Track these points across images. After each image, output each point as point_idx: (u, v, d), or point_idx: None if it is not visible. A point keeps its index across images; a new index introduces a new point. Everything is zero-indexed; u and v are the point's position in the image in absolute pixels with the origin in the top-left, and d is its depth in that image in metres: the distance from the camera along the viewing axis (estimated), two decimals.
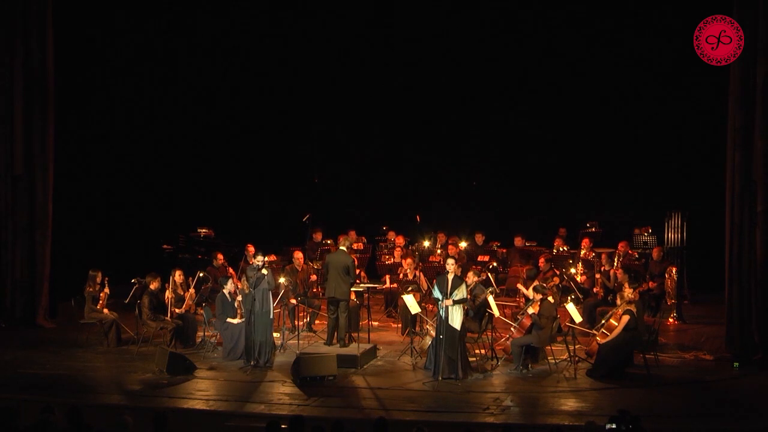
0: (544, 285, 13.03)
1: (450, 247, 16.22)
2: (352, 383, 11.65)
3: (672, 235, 15.82)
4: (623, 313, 11.92)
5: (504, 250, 17.48)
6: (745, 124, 12.78)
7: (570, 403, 10.76)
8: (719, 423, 10.17)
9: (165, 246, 17.57)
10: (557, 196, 18.75)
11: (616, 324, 11.97)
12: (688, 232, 15.66)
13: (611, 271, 14.61)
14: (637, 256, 16.04)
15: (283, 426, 7.70)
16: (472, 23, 18.59)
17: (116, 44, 18.02)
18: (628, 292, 12.23)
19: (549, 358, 12.41)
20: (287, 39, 19.15)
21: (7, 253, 15.08)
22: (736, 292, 12.97)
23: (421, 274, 14.95)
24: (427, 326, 13.01)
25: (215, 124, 19.33)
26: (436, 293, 11.70)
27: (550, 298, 12.58)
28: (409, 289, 13.96)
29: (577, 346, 12.33)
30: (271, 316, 12.42)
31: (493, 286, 14.24)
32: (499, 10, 18.37)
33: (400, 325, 14.54)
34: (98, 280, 13.70)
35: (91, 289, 13.64)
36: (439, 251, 16.39)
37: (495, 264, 16.22)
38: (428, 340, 12.38)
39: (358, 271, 14.39)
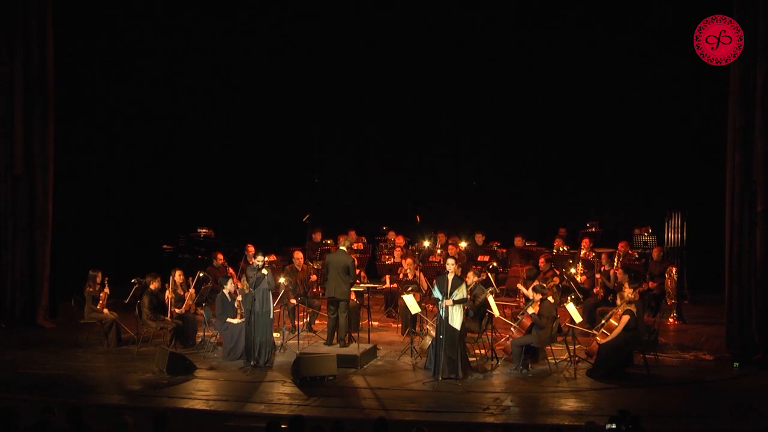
0: (544, 285, 13.03)
1: (450, 247, 16.21)
2: (352, 383, 11.65)
3: (672, 235, 15.82)
4: (623, 313, 11.92)
5: (504, 250, 17.48)
6: (745, 124, 12.78)
7: (570, 403, 10.76)
8: (719, 423, 10.17)
9: (165, 246, 17.57)
10: (557, 196, 18.76)
11: (616, 324, 11.97)
12: (688, 232, 15.66)
13: (611, 271, 14.61)
14: (637, 256, 16.04)
15: (283, 426, 7.70)
16: (472, 23, 18.59)
17: (116, 44, 18.00)
18: (628, 292, 12.23)
19: (549, 358, 12.41)
20: (287, 39, 19.15)
21: (7, 253, 15.08)
22: (736, 292, 12.97)
23: (421, 274, 14.95)
24: (427, 326, 13.01)
25: (215, 124, 19.33)
26: (436, 293, 11.70)
27: (550, 298, 12.58)
28: (409, 289, 13.96)
29: (577, 346, 12.33)
30: (271, 316, 12.42)
31: (493, 286, 14.23)
32: (499, 9, 18.37)
33: (400, 325, 14.54)
34: (98, 280, 13.70)
35: (91, 289, 13.64)
36: (439, 251, 16.39)
37: (495, 264, 16.22)
38: (428, 340, 12.38)
39: (358, 271, 14.40)
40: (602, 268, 14.91)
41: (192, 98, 18.85)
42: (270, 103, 19.24)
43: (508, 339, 12.90)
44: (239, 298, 12.93)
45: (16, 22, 14.93)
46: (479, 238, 17.46)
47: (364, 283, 14.43)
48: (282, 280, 13.72)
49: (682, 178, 17.48)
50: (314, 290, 15.11)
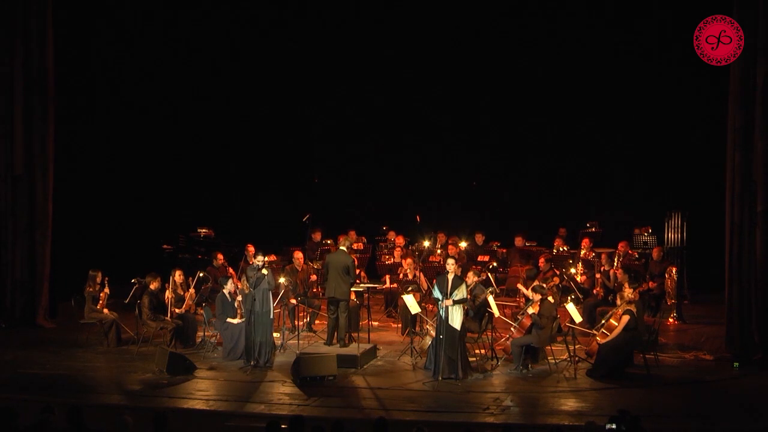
0: (544, 285, 13.03)
1: (450, 247, 16.21)
2: (352, 383, 11.65)
3: (672, 235, 15.82)
4: (623, 313, 11.92)
5: (504, 250, 17.48)
6: (745, 124, 12.78)
7: (570, 403, 10.76)
8: (719, 423, 10.17)
9: (165, 246, 17.57)
10: (557, 196, 18.75)
11: (616, 324, 11.97)
12: (688, 232, 15.66)
13: (611, 271, 14.61)
14: (637, 256, 16.04)
15: (283, 426, 7.70)
16: (472, 23, 18.58)
17: (116, 44, 18.01)
18: (628, 292, 12.23)
19: (549, 358, 12.41)
20: (287, 38, 19.15)
21: (7, 253, 15.08)
22: (736, 292, 12.97)
23: (421, 274, 14.95)
24: (427, 326, 13.01)
25: (215, 124, 19.33)
26: (436, 293, 11.70)
27: (550, 298, 12.58)
28: (409, 289, 13.96)
29: (577, 346, 12.32)
30: (271, 316, 12.42)
31: (493, 286, 14.23)
32: (499, 10, 18.36)
33: (400, 325, 14.54)
34: (98, 280, 13.70)
35: (91, 289, 13.64)
36: (439, 251, 16.39)
37: (495, 264, 16.21)
38: (428, 340, 12.38)
39: (358, 271, 14.40)
40: (602, 268, 14.91)
41: (192, 98, 18.85)
42: (270, 102, 19.24)
43: (508, 339, 12.90)
44: (239, 298, 12.93)
45: (16, 22, 14.92)
46: (479, 238, 17.46)
47: (364, 283, 14.43)
48: (282, 280, 13.72)
49: (682, 178, 17.48)
50: (314, 290, 15.10)
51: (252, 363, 12.13)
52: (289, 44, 19.18)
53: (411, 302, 12.83)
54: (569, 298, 13.59)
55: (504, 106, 18.88)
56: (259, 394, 11.07)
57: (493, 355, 12.60)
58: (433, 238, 16.98)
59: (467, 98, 19.00)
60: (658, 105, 17.82)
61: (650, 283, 15.01)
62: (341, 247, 13.26)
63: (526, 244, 17.38)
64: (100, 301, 13.62)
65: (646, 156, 18.10)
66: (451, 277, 11.68)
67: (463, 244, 16.69)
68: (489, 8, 18.34)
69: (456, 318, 11.56)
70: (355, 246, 15.75)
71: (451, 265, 11.85)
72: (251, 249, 15.30)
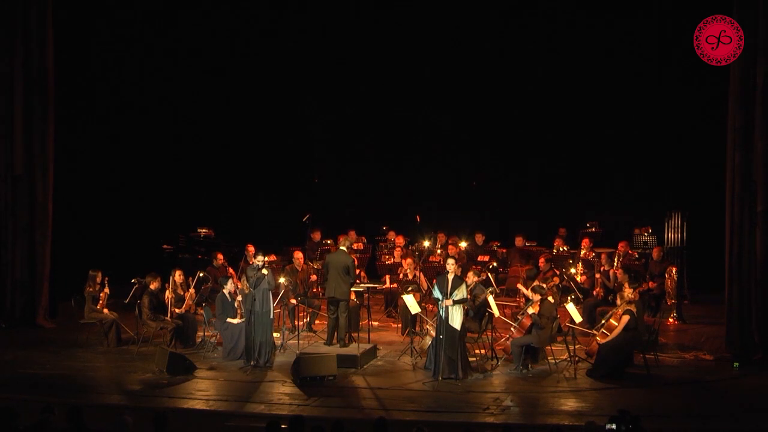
0: (544, 285, 13.03)
1: (450, 247, 16.21)
2: (352, 383, 11.65)
3: (672, 235, 15.82)
4: (623, 313, 11.92)
5: (504, 250, 17.48)
6: (745, 124, 12.78)
7: (570, 403, 10.76)
8: (719, 423, 10.18)
9: (165, 246, 17.57)
10: (557, 196, 18.75)
11: (616, 324, 11.97)
12: (688, 232, 15.66)
13: (611, 271, 14.60)
14: (637, 256, 16.04)
15: (283, 426, 7.70)
16: (472, 23, 18.58)
17: (116, 44, 18.00)
18: (628, 292, 12.23)
19: (549, 358, 12.41)
20: (287, 38, 19.15)
21: (7, 253, 15.08)
22: (736, 292, 12.97)
23: (421, 274, 14.94)
24: (427, 326, 13.01)
25: (216, 124, 19.33)
26: (436, 293, 11.70)
27: (550, 298, 12.58)
28: (409, 289, 13.95)
29: (577, 346, 12.32)
30: (271, 316, 12.42)
31: (493, 286, 14.23)
32: (499, 10, 18.36)
33: (400, 325, 14.54)
34: (98, 280, 13.70)
35: (91, 289, 13.64)
36: (439, 251, 16.39)
37: (495, 264, 16.21)
38: (428, 340, 12.38)
39: (358, 271, 14.40)
40: (602, 268, 14.90)
41: (192, 98, 18.84)
42: (270, 102, 19.24)
43: (508, 339, 12.90)
44: (239, 298, 12.93)
45: (16, 22, 14.92)
46: (479, 238, 17.46)
47: (364, 283, 14.43)
48: (282, 280, 13.72)
49: (682, 178, 17.47)
50: (314, 290, 15.11)
51: (252, 363, 12.13)
52: (289, 44, 19.17)
53: (411, 302, 12.83)
54: (569, 298, 13.59)
55: (504, 106, 18.87)
56: (259, 394, 11.07)
57: (493, 355, 12.60)
58: (433, 238, 16.98)
59: (467, 98, 18.99)
60: (658, 105, 17.80)
61: (650, 283, 15.01)
62: (341, 247, 13.26)
63: (526, 244, 17.38)
64: (100, 301, 13.62)
65: (646, 156, 18.09)
66: (451, 277, 11.68)
67: (463, 244, 16.69)
68: (489, 8, 18.34)
69: (456, 318, 11.56)
70: (355, 246, 15.75)
71: (451, 265, 11.85)
72: (251, 249, 15.30)
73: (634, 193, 18.15)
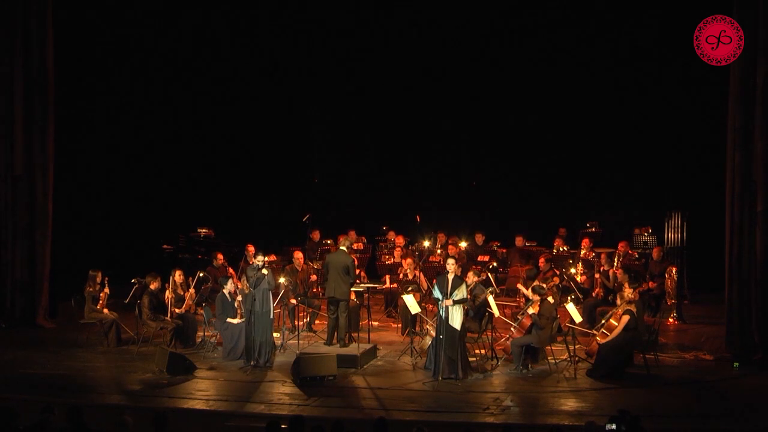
0: (544, 285, 13.02)
1: (450, 247, 16.22)
2: (352, 383, 11.65)
3: (672, 235, 15.82)
4: (623, 313, 11.92)
5: (504, 250, 17.49)
6: (745, 124, 12.78)
7: (570, 403, 10.76)
8: (719, 423, 10.17)
9: (165, 246, 17.57)
10: (557, 196, 18.76)
11: (616, 324, 11.97)
12: (688, 232, 15.66)
13: (611, 271, 14.60)
14: (637, 256, 16.04)
15: (283, 426, 7.71)
16: (472, 23, 18.58)
17: (116, 44, 18.01)
18: (628, 292, 12.23)
19: (549, 358, 12.41)
20: (287, 39, 19.15)
21: (7, 253, 15.08)
22: (736, 292, 12.97)
23: (421, 274, 14.95)
24: (427, 326, 13.01)
25: (216, 124, 19.33)
26: (436, 293, 11.70)
27: (550, 298, 12.57)
28: (409, 289, 13.96)
29: (577, 346, 12.32)
30: (271, 316, 12.42)
31: (493, 286, 14.23)
32: (498, 10, 18.36)
33: (400, 325, 14.54)
34: (98, 280, 13.70)
35: (91, 289, 13.64)
36: (439, 251, 16.39)
37: (495, 264, 16.22)
38: (428, 340, 12.38)
39: (358, 271, 14.40)
40: (602, 268, 14.90)
41: (192, 98, 18.85)
42: (270, 102, 19.24)
43: (508, 339, 12.90)
44: (239, 298, 12.93)
45: (16, 22, 14.92)
46: (479, 238, 17.47)
47: (364, 283, 14.43)
48: (282, 280, 13.72)
49: (682, 178, 17.48)
50: (314, 290, 15.11)
51: (252, 363, 12.13)
52: (289, 44, 19.18)
53: (411, 302, 12.83)
54: (569, 298, 13.58)
55: (504, 106, 18.87)
56: (259, 394, 11.06)
57: (493, 355, 12.60)
58: (433, 238, 16.99)
59: (468, 98, 18.99)
60: (658, 105, 17.82)
61: (650, 283, 15.01)
62: (341, 247, 13.26)
63: (526, 244, 17.39)
64: (100, 301, 13.62)
65: (646, 156, 18.09)
66: (451, 277, 11.68)
67: (463, 244, 16.70)
68: (489, 8, 18.34)
69: (456, 318, 11.56)
70: (355, 246, 15.75)
71: (451, 265, 11.85)
72: (251, 249, 15.31)
73: (634, 193, 18.16)
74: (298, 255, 14.84)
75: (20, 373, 11.95)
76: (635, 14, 17.43)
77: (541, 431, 9.68)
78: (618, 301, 12.41)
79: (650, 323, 12.85)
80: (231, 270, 15.27)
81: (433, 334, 12.03)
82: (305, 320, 14.51)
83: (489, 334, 12.82)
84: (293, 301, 14.19)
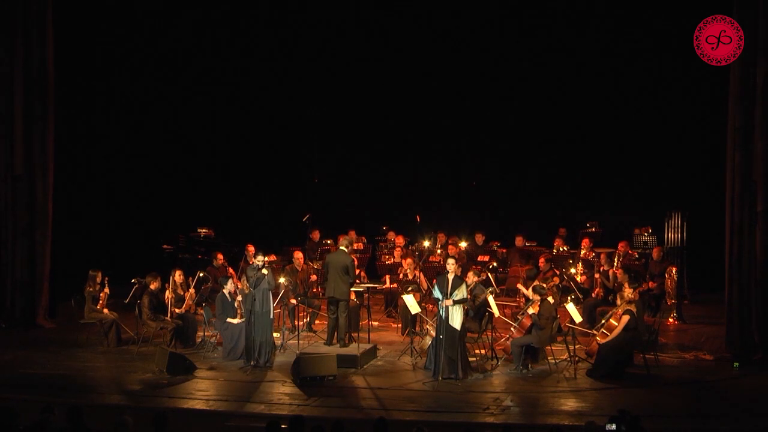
0: (544, 285, 13.02)
1: (450, 247, 16.22)
2: (352, 383, 11.65)
3: (672, 235, 15.82)
4: (623, 313, 11.92)
5: (504, 250, 17.49)
6: (745, 124, 12.78)
7: (570, 403, 10.76)
8: (719, 423, 10.17)
9: (165, 246, 17.56)
10: (557, 196, 18.76)
11: (616, 324, 11.97)
12: (688, 232, 15.65)
13: (611, 271, 14.60)
14: (637, 256, 16.04)
15: (283, 426, 7.71)
16: (471, 24, 18.59)
17: (116, 44, 18.01)
18: (628, 292, 12.23)
19: (549, 358, 12.41)
20: (287, 39, 19.15)
21: (7, 253, 15.07)
22: (736, 292, 12.97)
23: (421, 274, 14.95)
24: (427, 326, 13.01)
25: (215, 124, 19.34)
26: (436, 293, 11.70)
27: (549, 298, 12.57)
28: (409, 289, 13.96)
29: (577, 346, 12.32)
30: (271, 316, 12.41)
31: (493, 286, 14.24)
32: (498, 10, 18.36)
33: (400, 325, 14.54)
34: (98, 280, 13.70)
35: (91, 289, 13.64)
36: (439, 251, 16.39)
37: (495, 264, 16.22)
38: (428, 340, 12.38)
39: (358, 271, 14.40)
40: (601, 268, 14.90)
41: (192, 98, 18.85)
42: (270, 103, 19.25)
43: (508, 339, 12.90)
44: (239, 298, 12.93)
45: (16, 22, 14.92)
46: (479, 238, 17.47)
47: (364, 283, 14.43)
48: (282, 280, 13.72)
49: (682, 178, 17.48)
50: (314, 290, 15.11)
51: (252, 363, 12.13)
52: (289, 44, 19.17)
53: (411, 302, 12.83)
54: (569, 298, 13.59)
55: (504, 106, 18.87)
56: (259, 394, 11.06)
57: (493, 355, 12.60)
58: (433, 238, 16.99)
59: (467, 98, 18.99)
60: (658, 105, 17.83)
61: (650, 283, 15.01)
62: (341, 247, 13.26)
63: (526, 244, 17.39)
64: (100, 301, 13.62)
65: (645, 156, 18.10)
66: (451, 277, 11.68)
67: (463, 244, 16.70)
68: (489, 9, 18.34)
69: (456, 318, 11.56)
70: (355, 246, 15.75)
71: (451, 265, 11.84)
72: (251, 249, 15.31)
73: (634, 193, 18.15)
74: (298, 255, 14.84)
75: (20, 373, 11.95)
76: (635, 14, 17.42)
77: (541, 431, 9.68)
78: (618, 301, 12.41)
79: (650, 323, 12.85)
80: (231, 270, 15.27)
81: (433, 334, 12.03)
82: (305, 320, 14.51)
83: (489, 334, 12.82)
84: (293, 301, 14.19)
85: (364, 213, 18.84)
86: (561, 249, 16.59)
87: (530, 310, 12.38)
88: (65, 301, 14.82)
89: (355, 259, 13.71)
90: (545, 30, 18.34)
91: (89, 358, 12.89)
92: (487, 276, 14.50)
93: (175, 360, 11.86)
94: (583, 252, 16.24)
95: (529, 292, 12.85)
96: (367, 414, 10.18)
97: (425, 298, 14.52)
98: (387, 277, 15.83)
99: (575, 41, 18.06)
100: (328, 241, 17.14)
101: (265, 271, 12.21)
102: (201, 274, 14.35)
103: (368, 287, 14.26)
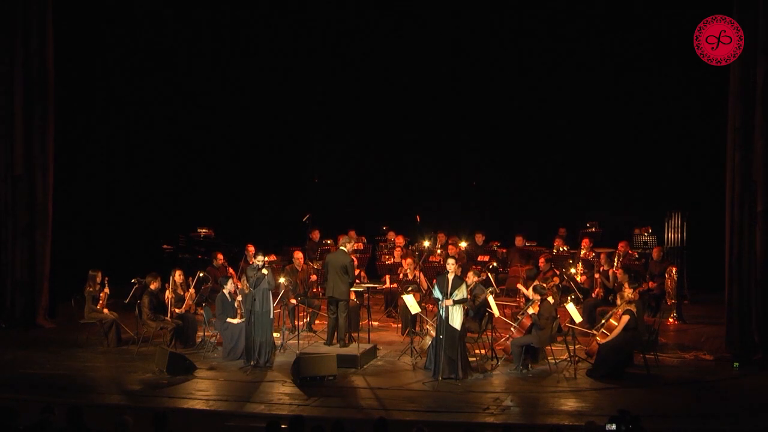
0: (544, 285, 13.02)
1: (450, 247, 16.21)
2: (352, 383, 11.64)
3: (672, 235, 15.82)
4: (623, 313, 11.92)
5: (504, 250, 17.49)
6: (745, 124, 12.78)
7: (570, 403, 10.76)
8: (719, 423, 10.17)
9: (165, 246, 17.57)
10: (557, 196, 18.76)
11: (616, 324, 11.97)
12: (688, 232, 15.66)
13: (611, 271, 14.60)
14: (637, 256, 16.04)
15: (283, 426, 7.71)
16: (471, 24, 18.59)
17: (116, 44, 18.01)
18: (628, 292, 12.23)
19: (549, 358, 12.41)
20: (287, 39, 19.15)
21: (7, 253, 15.07)
22: (736, 292, 12.97)
23: (421, 274, 14.95)
24: (427, 326, 13.01)
25: (216, 124, 19.34)
26: (436, 293, 11.70)
27: (550, 298, 12.57)
28: (409, 289, 13.96)
29: (577, 346, 12.32)
30: (271, 316, 12.41)
31: (493, 286, 14.24)
32: (497, 11, 18.36)
33: (400, 325, 14.54)
34: (98, 280, 13.70)
35: (91, 289, 13.64)
36: (439, 251, 16.39)
37: (495, 264, 16.22)
38: (428, 340, 12.38)
39: (357, 272, 14.40)
40: (601, 268, 14.90)
41: (192, 98, 18.86)
42: (270, 103, 19.24)
43: (508, 339, 12.90)
44: (239, 298, 12.93)
45: (16, 22, 14.92)
46: (479, 238, 17.47)
47: (364, 283, 14.43)
48: (282, 280, 13.72)
49: (682, 178, 17.48)
50: (314, 290, 15.11)
51: (252, 363, 12.13)
52: (290, 44, 19.17)
53: (411, 302, 12.83)
54: (569, 298, 13.59)
55: (504, 106, 18.87)
56: (259, 394, 11.06)
57: (493, 355, 12.60)
58: (433, 238, 16.99)
59: (467, 98, 18.99)
60: (659, 105, 17.83)
61: (650, 283, 15.01)
62: (341, 247, 13.26)
63: (526, 244, 17.39)
64: (100, 301, 13.62)
65: (645, 156, 18.09)
66: (451, 277, 11.68)
67: (463, 244, 16.70)
68: (489, 9, 18.34)
69: (456, 318, 11.56)
70: (355, 246, 15.74)
71: (451, 265, 11.84)
72: (251, 249, 15.31)
73: (634, 193, 18.15)
74: (298, 255, 14.84)
75: (20, 373, 11.95)
76: (636, 14, 17.42)
77: (541, 431, 9.68)
78: (618, 301, 12.41)
79: (650, 323, 12.85)
80: (231, 270, 15.27)
81: (433, 334, 12.03)
82: (305, 320, 14.51)
83: (489, 334, 12.82)
84: (293, 301, 14.19)
85: (364, 213, 18.84)
86: (561, 249, 16.59)
87: (530, 310, 12.38)
88: (65, 301, 14.81)
89: (355, 259, 13.71)
90: (545, 30, 18.33)
91: (89, 358, 12.89)
92: (487, 276, 14.50)
93: (175, 360, 11.87)
94: (583, 252, 16.23)
95: (529, 292, 12.85)
96: (367, 414, 10.17)
97: (425, 298, 14.52)
98: (387, 277, 15.84)
99: (575, 41, 18.05)
100: (328, 241, 17.13)
101: (265, 271, 12.21)
102: (201, 274, 14.35)
103: (368, 287, 14.26)
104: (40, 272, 15.21)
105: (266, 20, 18.94)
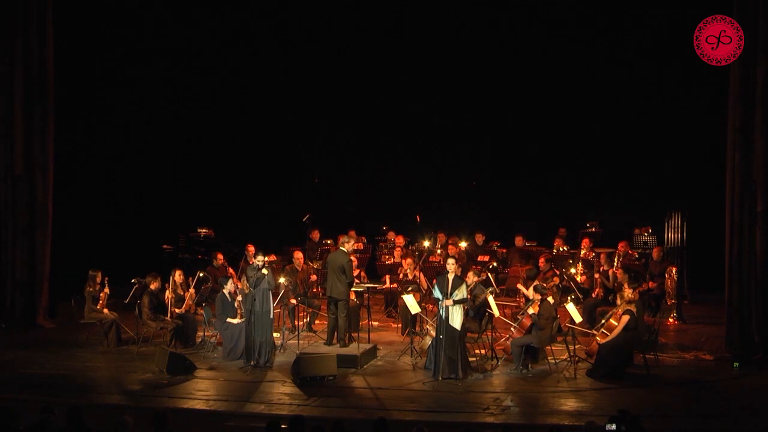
0: (544, 285, 13.03)
1: (450, 247, 16.22)
2: (352, 383, 11.65)
3: (672, 235, 15.82)
4: (623, 313, 11.93)
5: (504, 250, 17.49)
6: (745, 124, 12.78)
7: (570, 403, 10.76)
8: (719, 423, 10.17)
9: (165, 246, 17.56)
10: (557, 196, 18.75)
11: (616, 324, 11.97)
12: (688, 232, 15.66)
13: (611, 271, 14.60)
14: (637, 256, 16.04)
15: (283, 426, 7.71)
16: (470, 24, 18.58)
17: (117, 44, 18.00)
18: (628, 292, 12.23)
19: (549, 358, 12.41)
20: (288, 39, 19.15)
21: (7, 253, 15.08)
22: (736, 292, 12.97)
23: (421, 274, 14.95)
24: (427, 326, 13.01)
25: (216, 124, 19.33)
26: (437, 293, 11.70)
27: (550, 298, 12.57)
28: (409, 289, 13.96)
29: (577, 346, 12.32)
30: (271, 316, 12.42)
31: (493, 286, 14.24)
32: (497, 11, 18.36)
33: (400, 325, 14.55)
34: (98, 280, 13.70)
35: (91, 289, 13.64)
36: (439, 251, 16.39)
37: (495, 264, 16.22)
38: (428, 340, 12.38)
39: (358, 271, 14.39)
40: (601, 268, 14.90)
41: (192, 98, 18.85)
42: (270, 103, 19.24)
43: (508, 339, 12.90)
44: (239, 298, 12.93)
45: (16, 22, 14.92)
46: (479, 238, 17.47)
47: (364, 283, 14.43)
48: (282, 280, 13.72)
49: (682, 178, 17.48)
50: (314, 290, 15.11)
51: (252, 363, 12.13)
52: (289, 45, 19.17)
53: (411, 302, 12.83)
54: (569, 298, 13.59)
55: (504, 106, 18.86)
56: (259, 394, 11.07)
57: (493, 355, 12.60)
58: (433, 238, 16.99)
59: (467, 98, 18.99)
60: (658, 105, 17.82)
61: (650, 283, 15.01)
62: (341, 247, 13.26)
63: (526, 244, 17.39)
64: (100, 301, 13.62)
65: (645, 156, 18.09)
66: (451, 277, 11.68)
67: (463, 244, 16.70)
68: (489, 10, 18.33)
69: (456, 318, 11.56)
70: (355, 246, 15.73)
71: (451, 265, 11.85)
72: (251, 249, 15.31)
73: (634, 193, 18.15)
74: (298, 255, 14.84)
75: (20, 373, 11.95)
76: (635, 14, 17.42)
77: (541, 431, 9.68)
78: (618, 301, 12.41)
79: (650, 323, 12.85)
80: (231, 270, 15.27)
81: (433, 334, 12.03)
82: (305, 320, 14.51)
83: (489, 334, 12.82)
84: (293, 301, 14.19)
85: (364, 213, 18.84)
86: (561, 249, 16.59)
87: (530, 310, 12.38)
88: (65, 301, 14.82)
89: (355, 259, 13.71)
90: (545, 30, 18.33)
91: (89, 358, 12.89)
92: (487, 276, 14.50)
93: (175, 360, 11.87)
94: (583, 252, 16.24)
95: (529, 292, 12.85)
96: (367, 414, 10.17)
97: (425, 298, 14.52)
98: (387, 277, 15.84)
99: (575, 42, 18.04)
100: (328, 241, 17.13)
101: (265, 271, 12.21)
102: (201, 274, 14.35)
103: (368, 287, 14.26)
104: (40, 272, 15.22)
105: (266, 20, 18.93)
